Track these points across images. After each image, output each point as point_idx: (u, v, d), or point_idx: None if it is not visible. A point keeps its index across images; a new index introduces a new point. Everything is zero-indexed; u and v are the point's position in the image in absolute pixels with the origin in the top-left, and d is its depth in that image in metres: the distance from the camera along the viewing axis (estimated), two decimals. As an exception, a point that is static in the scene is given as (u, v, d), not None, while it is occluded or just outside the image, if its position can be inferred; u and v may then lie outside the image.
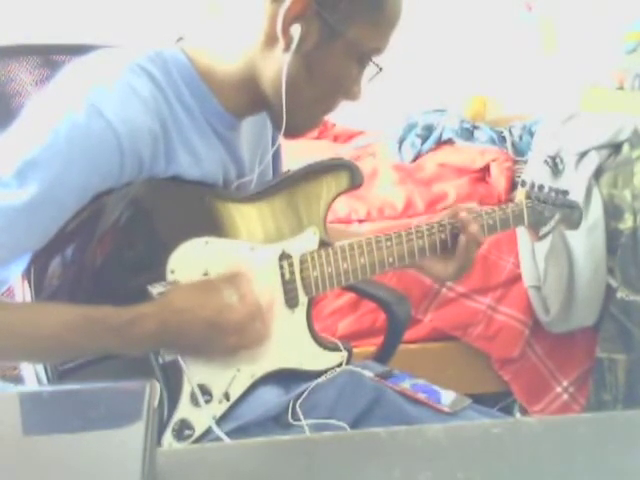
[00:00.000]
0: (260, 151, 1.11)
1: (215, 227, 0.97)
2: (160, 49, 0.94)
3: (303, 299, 1.05)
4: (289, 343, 1.04)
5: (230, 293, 0.91)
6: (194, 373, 0.94)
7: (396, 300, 1.32)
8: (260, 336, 0.92)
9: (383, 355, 1.31)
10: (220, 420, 0.98)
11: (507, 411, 1.98)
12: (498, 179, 2.14)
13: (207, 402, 0.96)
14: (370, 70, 0.97)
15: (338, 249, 1.06)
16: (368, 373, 1.12)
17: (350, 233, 1.28)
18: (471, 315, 1.91)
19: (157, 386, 0.58)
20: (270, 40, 0.91)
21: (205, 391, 0.96)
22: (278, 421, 1.05)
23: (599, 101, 2.59)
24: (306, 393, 1.07)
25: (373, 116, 2.59)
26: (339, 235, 1.17)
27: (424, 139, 2.40)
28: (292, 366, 1.06)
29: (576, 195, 1.62)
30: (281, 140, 1.15)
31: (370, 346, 1.68)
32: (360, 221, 1.99)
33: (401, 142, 2.42)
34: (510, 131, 2.38)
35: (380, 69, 0.96)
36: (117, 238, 0.91)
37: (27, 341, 0.87)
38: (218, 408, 0.98)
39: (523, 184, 1.27)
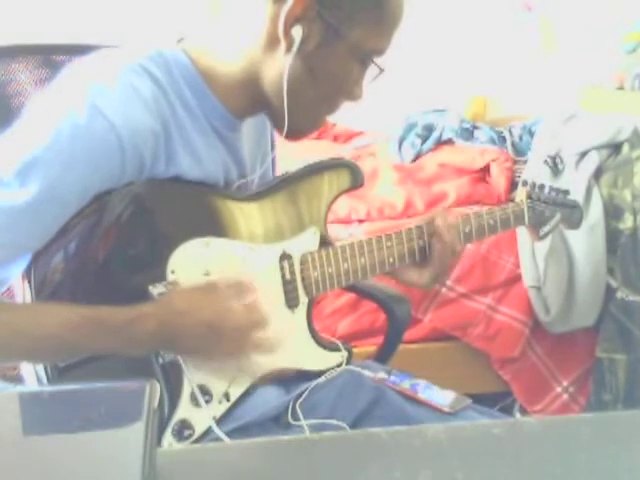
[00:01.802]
0: (261, 151, 1.11)
1: (216, 227, 0.97)
2: (161, 49, 0.94)
3: (303, 299, 1.05)
4: (289, 343, 1.04)
5: (232, 298, 0.91)
6: (194, 373, 0.94)
7: (396, 300, 1.32)
8: (261, 347, 0.92)
9: (383, 355, 1.31)
10: (220, 420, 0.98)
11: (507, 411, 1.98)
12: (498, 179, 2.14)
13: (207, 402, 0.96)
14: (372, 71, 0.97)
15: (338, 249, 1.06)
16: (368, 373, 1.12)
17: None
18: (471, 315, 1.91)
19: (157, 386, 0.58)
20: (272, 41, 0.91)
21: (205, 391, 0.96)
22: (278, 421, 1.05)
23: (599, 101, 2.59)
24: (306, 393, 1.07)
25: (373, 116, 2.59)
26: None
27: (424, 139, 2.40)
28: (292, 366, 1.06)
29: (576, 195, 1.62)
30: (278, 143, 1.15)
31: (370, 346, 1.68)
32: (360, 221, 1.99)
33: (401, 142, 2.42)
34: (510, 131, 2.38)
35: (382, 70, 0.96)
36: (118, 238, 0.91)
37: (27, 341, 0.87)
38: (218, 408, 0.98)
39: (524, 184, 1.27)
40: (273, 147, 1.15)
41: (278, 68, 0.92)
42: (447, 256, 1.11)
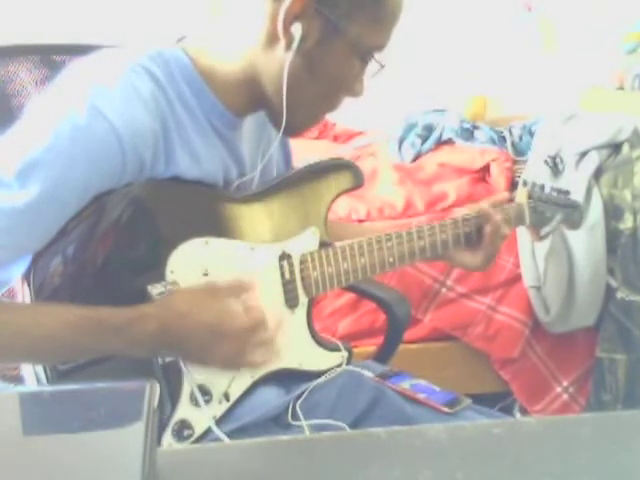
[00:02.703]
0: (261, 149, 1.11)
1: (215, 227, 0.97)
2: (161, 49, 0.94)
3: (303, 299, 1.05)
4: (289, 343, 1.04)
5: (233, 301, 0.90)
6: (194, 373, 0.94)
7: (396, 300, 1.32)
8: (263, 347, 0.92)
9: (383, 355, 1.31)
10: (220, 420, 0.98)
11: (507, 411, 1.98)
12: (498, 179, 2.14)
13: (207, 402, 0.96)
14: (372, 67, 0.97)
15: (338, 249, 1.06)
16: (368, 373, 1.12)
17: (353, 230, 1.27)
18: (471, 315, 1.91)
19: (157, 386, 0.58)
20: (271, 39, 0.91)
21: (205, 391, 0.96)
22: (278, 421, 1.05)
23: (599, 101, 2.59)
24: (306, 393, 1.07)
25: (373, 116, 2.59)
26: (342, 230, 1.17)
27: (424, 139, 2.40)
28: (292, 366, 1.06)
29: (576, 195, 1.62)
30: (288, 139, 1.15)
31: (370, 346, 1.68)
32: (360, 221, 1.99)
33: (401, 142, 2.42)
34: (510, 131, 2.38)
35: (382, 66, 0.96)
36: (117, 238, 0.91)
37: (27, 341, 0.86)
38: (218, 408, 0.98)
39: (525, 184, 1.27)
40: (277, 141, 1.15)
41: (278, 66, 0.92)
42: (498, 237, 1.16)
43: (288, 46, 0.90)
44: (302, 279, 1.04)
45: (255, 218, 1.01)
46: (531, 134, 2.32)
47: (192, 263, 0.94)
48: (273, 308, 0.99)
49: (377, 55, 0.95)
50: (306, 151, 1.80)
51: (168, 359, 0.91)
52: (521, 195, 1.26)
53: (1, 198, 0.83)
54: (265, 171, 1.09)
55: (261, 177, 1.08)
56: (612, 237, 1.88)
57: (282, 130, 0.97)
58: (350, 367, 1.12)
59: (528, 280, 1.91)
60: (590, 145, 1.94)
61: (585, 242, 1.87)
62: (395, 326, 1.32)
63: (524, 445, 0.68)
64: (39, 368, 1.03)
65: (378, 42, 0.94)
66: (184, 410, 0.95)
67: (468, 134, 2.41)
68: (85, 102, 0.85)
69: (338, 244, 1.07)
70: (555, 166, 1.96)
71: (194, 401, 0.95)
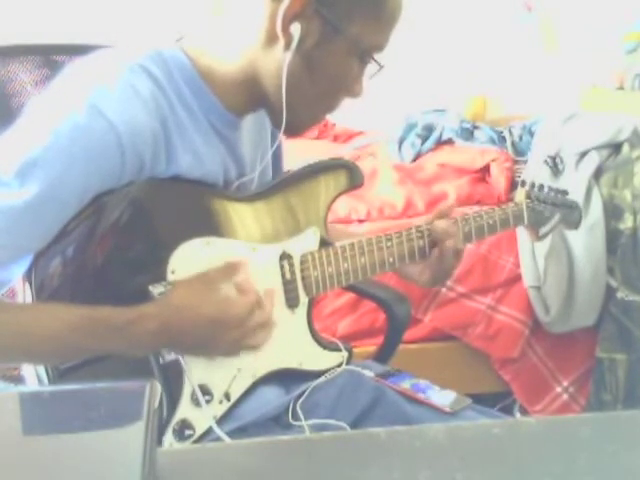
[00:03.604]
0: (261, 150, 1.11)
1: (216, 227, 0.97)
2: (160, 49, 0.94)
3: (304, 299, 1.05)
4: (289, 343, 1.04)
5: (228, 286, 0.91)
6: (195, 373, 0.94)
7: (396, 300, 1.32)
8: (262, 327, 0.92)
9: (383, 355, 1.31)
10: (221, 420, 0.98)
11: (507, 411, 1.98)
12: (498, 179, 2.14)
13: (208, 402, 0.96)
14: (371, 67, 0.97)
15: (339, 249, 1.06)
16: (368, 373, 1.12)
17: (350, 233, 1.28)
18: (471, 315, 1.91)
19: (157, 386, 0.58)
20: (270, 39, 0.91)
21: (206, 391, 0.96)
22: (278, 421, 1.05)
23: (599, 101, 2.59)
24: (306, 393, 1.07)
25: (373, 116, 2.59)
26: (339, 235, 1.17)
27: (424, 139, 2.40)
28: (292, 366, 1.06)
29: (576, 195, 1.62)
30: (282, 140, 1.15)
31: (370, 346, 1.68)
32: (360, 221, 1.99)
33: (401, 142, 2.42)
34: (510, 131, 2.38)
35: (381, 66, 0.96)
36: (117, 238, 0.91)
37: (29, 342, 0.87)
38: (219, 408, 0.98)
39: (523, 184, 1.27)
40: (274, 143, 1.15)
41: (277, 66, 0.92)
42: (449, 258, 1.11)
43: (287, 46, 0.90)
44: (302, 279, 1.04)
45: (256, 218, 1.01)
46: (531, 134, 2.32)
47: (193, 263, 0.94)
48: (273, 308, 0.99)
49: (376, 56, 0.95)
50: (306, 151, 1.80)
51: (168, 359, 0.91)
52: (519, 195, 1.26)
53: (1, 197, 0.83)
54: (262, 171, 1.09)
55: (259, 178, 1.08)
56: (612, 237, 1.88)
57: (282, 130, 0.97)
58: (350, 367, 1.12)
59: (528, 280, 1.91)
60: (590, 145, 1.94)
61: (585, 242, 1.87)
62: (395, 326, 1.32)
63: (524, 445, 0.68)
64: (40, 369, 1.03)
65: (377, 42, 0.94)
66: (185, 410, 0.95)
67: (468, 134, 2.41)
68: (84, 102, 0.85)
69: (338, 244, 1.07)
70: (555, 166, 1.96)
71: (195, 401, 0.95)
